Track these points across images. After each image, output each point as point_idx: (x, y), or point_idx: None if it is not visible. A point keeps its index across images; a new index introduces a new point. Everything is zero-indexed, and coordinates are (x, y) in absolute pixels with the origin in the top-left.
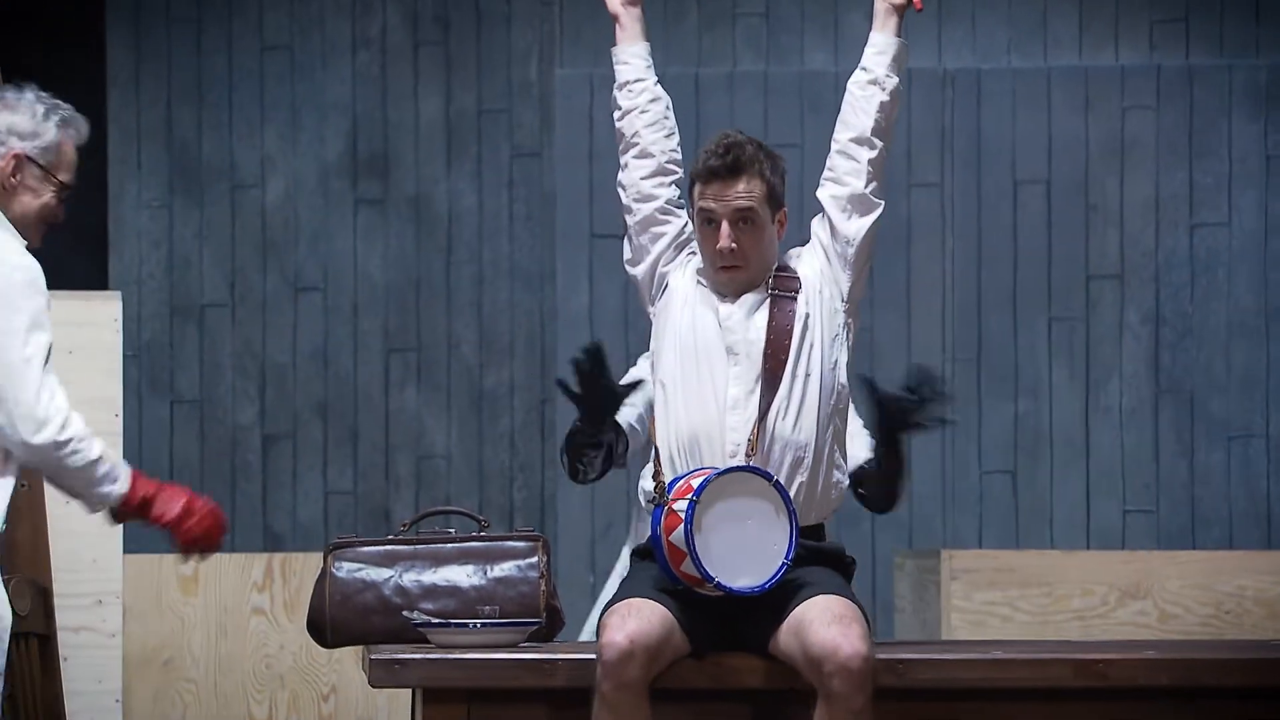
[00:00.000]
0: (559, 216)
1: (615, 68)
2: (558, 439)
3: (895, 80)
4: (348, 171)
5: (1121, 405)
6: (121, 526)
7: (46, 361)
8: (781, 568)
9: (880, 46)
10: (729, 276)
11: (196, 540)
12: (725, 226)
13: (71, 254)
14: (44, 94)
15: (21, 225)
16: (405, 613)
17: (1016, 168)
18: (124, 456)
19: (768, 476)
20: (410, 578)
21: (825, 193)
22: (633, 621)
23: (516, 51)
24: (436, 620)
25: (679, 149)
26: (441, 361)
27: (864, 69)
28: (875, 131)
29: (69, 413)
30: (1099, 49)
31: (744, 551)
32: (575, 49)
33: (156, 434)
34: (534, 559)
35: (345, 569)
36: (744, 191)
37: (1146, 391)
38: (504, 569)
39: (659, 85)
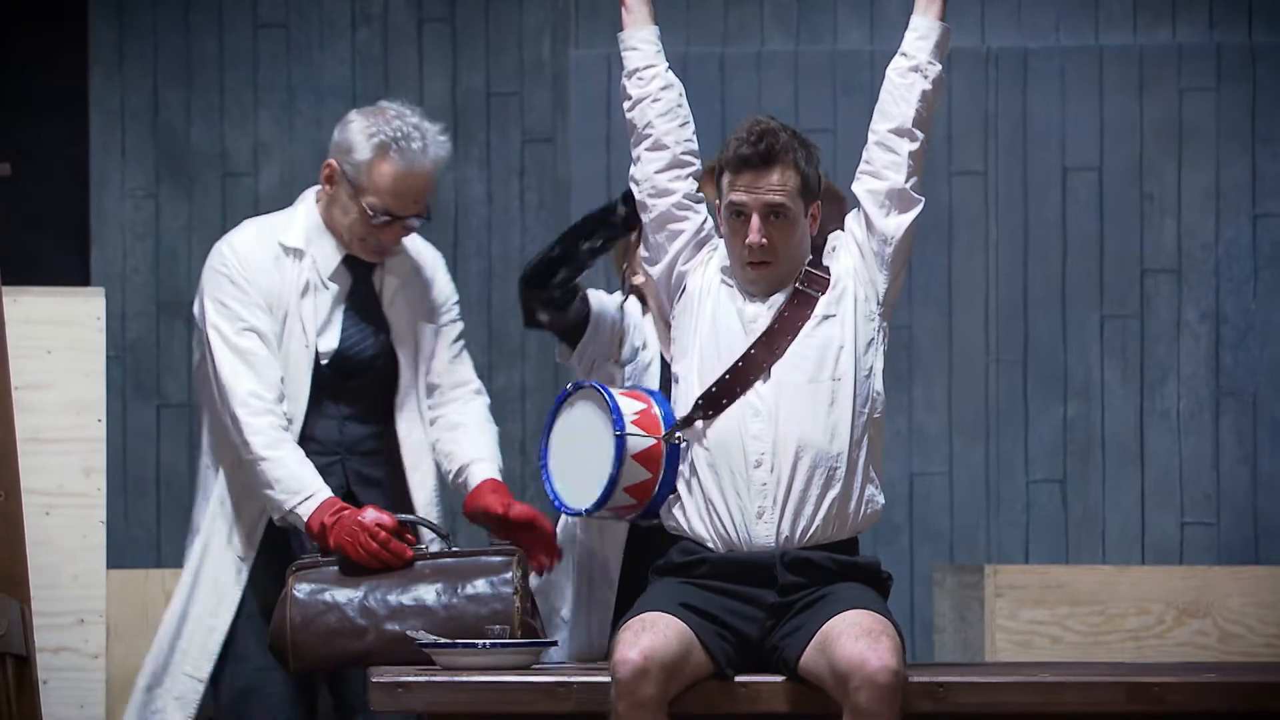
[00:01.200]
0: (574, 206)
1: (623, 54)
2: None
3: (938, 68)
4: None
5: (1179, 409)
6: (104, 539)
7: (230, 350)
8: (608, 486)
9: (922, 31)
10: (758, 274)
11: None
12: (755, 220)
13: (51, 247)
14: (406, 112)
15: (336, 236)
16: (410, 632)
17: (1066, 154)
18: (107, 464)
19: (599, 388)
20: (377, 597)
21: (862, 187)
22: (647, 637)
23: (528, 30)
24: (443, 641)
25: (694, 139)
26: None
27: (904, 55)
28: (916, 122)
29: (235, 408)
30: (1154, 26)
31: (584, 472)
32: (591, 27)
33: (142, 440)
34: (508, 574)
35: (305, 590)
36: (777, 184)
37: (1206, 394)
38: (476, 586)
39: (670, 71)
